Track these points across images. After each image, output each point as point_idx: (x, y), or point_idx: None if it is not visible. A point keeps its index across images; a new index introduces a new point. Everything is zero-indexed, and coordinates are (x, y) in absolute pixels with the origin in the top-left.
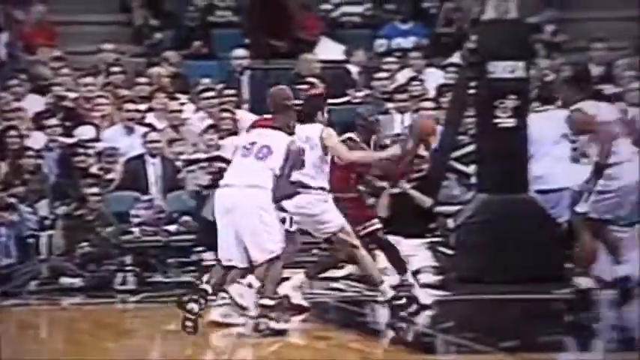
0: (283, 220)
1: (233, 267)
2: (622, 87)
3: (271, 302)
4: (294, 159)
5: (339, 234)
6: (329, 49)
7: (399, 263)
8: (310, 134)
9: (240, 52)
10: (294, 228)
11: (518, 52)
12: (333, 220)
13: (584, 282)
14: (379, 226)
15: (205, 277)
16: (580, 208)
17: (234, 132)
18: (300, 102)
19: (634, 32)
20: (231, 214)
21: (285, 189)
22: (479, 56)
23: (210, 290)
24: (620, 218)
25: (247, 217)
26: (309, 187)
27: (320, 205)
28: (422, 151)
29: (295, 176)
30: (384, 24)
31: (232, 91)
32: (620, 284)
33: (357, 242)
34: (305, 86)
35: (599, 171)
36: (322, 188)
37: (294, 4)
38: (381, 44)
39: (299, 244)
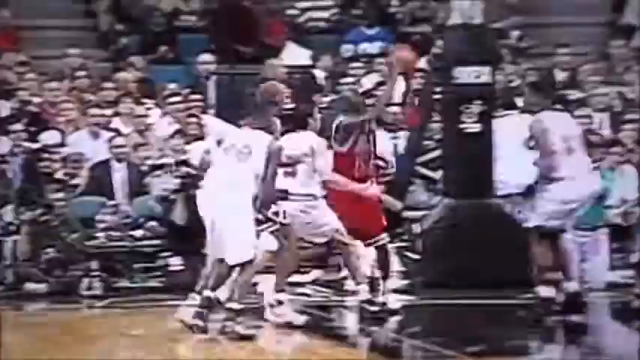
0: (277, 214)
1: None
2: (586, 92)
3: (239, 306)
4: (277, 158)
5: (334, 235)
6: (295, 55)
7: (386, 269)
8: (303, 141)
9: (206, 57)
10: (287, 220)
11: (483, 57)
12: (328, 224)
13: (544, 290)
14: (387, 240)
15: (200, 285)
16: (531, 222)
17: (200, 137)
18: (291, 106)
19: (598, 38)
20: (213, 215)
21: (270, 190)
22: (444, 61)
23: (213, 295)
24: (583, 222)
25: (226, 219)
26: (300, 194)
27: (312, 211)
28: (387, 155)
29: (285, 183)
30: (350, 29)
31: (198, 96)
32: (570, 298)
33: (350, 240)
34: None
35: (540, 182)
36: (312, 195)
37: (260, 9)
38: (347, 49)
39: (295, 239)
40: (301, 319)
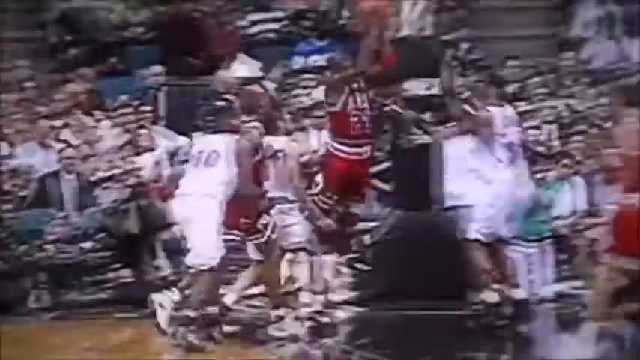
0: (266, 226)
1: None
2: (535, 104)
3: (193, 314)
4: (246, 157)
5: (305, 245)
6: (245, 66)
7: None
8: (275, 146)
9: (156, 68)
10: (275, 235)
11: (433, 69)
12: (301, 233)
13: (489, 296)
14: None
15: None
16: (469, 234)
17: (150, 148)
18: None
19: (547, 50)
20: (185, 223)
21: (248, 190)
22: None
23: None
24: (529, 233)
25: (195, 225)
26: (274, 198)
27: (283, 216)
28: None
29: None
30: (300, 41)
31: (148, 108)
32: (517, 306)
33: (320, 250)
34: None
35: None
36: (284, 198)
37: (210, 21)
38: (297, 61)
39: (279, 254)
40: (303, 330)
